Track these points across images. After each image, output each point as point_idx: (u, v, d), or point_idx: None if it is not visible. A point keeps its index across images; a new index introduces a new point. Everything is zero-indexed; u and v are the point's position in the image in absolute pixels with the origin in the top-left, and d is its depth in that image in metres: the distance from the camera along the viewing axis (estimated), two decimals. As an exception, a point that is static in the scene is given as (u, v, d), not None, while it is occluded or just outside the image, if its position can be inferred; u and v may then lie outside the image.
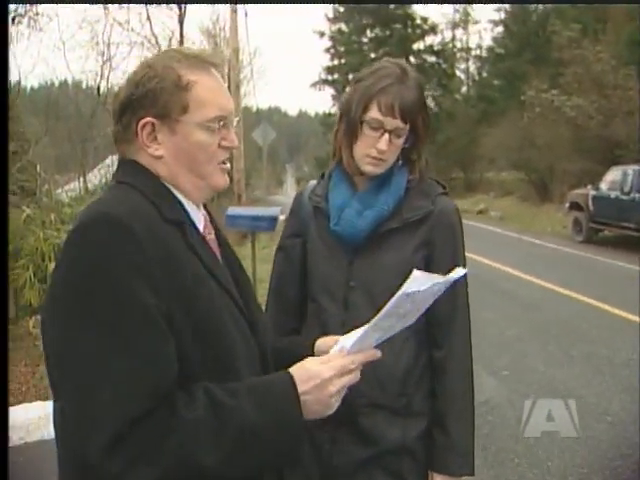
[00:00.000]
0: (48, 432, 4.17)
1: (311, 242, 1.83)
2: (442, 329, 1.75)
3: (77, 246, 1.12)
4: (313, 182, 1.94)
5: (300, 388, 1.17)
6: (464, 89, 41.22)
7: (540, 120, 21.56)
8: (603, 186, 14.49)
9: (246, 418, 1.12)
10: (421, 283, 1.19)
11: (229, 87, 14.51)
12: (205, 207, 1.36)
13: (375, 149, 1.69)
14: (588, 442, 4.27)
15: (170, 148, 1.24)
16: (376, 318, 1.22)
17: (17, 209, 7.59)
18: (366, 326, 1.24)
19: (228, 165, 1.31)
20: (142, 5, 17.01)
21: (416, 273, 1.20)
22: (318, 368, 1.20)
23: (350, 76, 38.20)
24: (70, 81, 14.37)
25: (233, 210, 7.32)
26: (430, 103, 39.43)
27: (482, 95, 36.04)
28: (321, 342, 1.52)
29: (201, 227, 1.30)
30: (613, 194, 13.90)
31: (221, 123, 1.26)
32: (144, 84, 1.22)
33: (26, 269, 6.53)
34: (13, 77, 11.38)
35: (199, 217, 1.31)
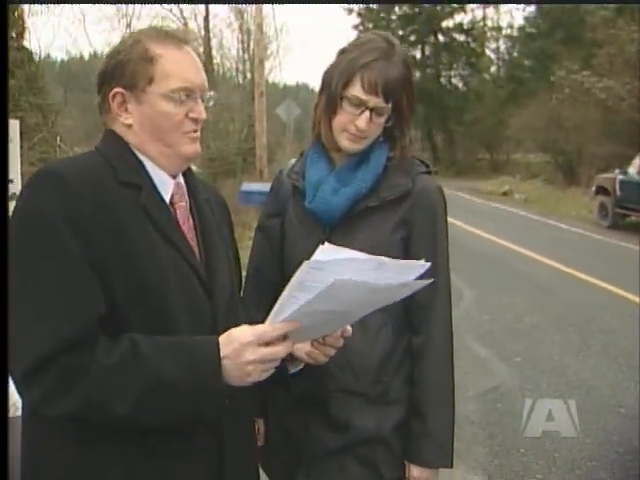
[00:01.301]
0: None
1: (288, 221, 1.78)
2: (420, 313, 1.70)
3: (20, 196, 1.25)
4: (294, 160, 1.90)
5: (222, 351, 1.20)
6: (493, 69, 40.55)
7: (569, 102, 21.14)
8: (631, 170, 14.11)
9: (163, 370, 1.17)
10: (329, 255, 1.16)
11: (253, 62, 14.35)
12: (185, 176, 1.43)
13: (354, 126, 1.63)
14: (599, 435, 4.18)
15: (138, 117, 1.32)
16: (287, 288, 1.20)
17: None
18: (281, 296, 1.22)
19: (198, 134, 1.37)
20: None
21: (326, 245, 1.19)
22: (240, 333, 1.22)
23: (378, 53, 37.72)
24: (93, 53, 14.35)
25: (247, 186, 7.27)
26: (458, 83, 39.06)
27: (512, 75, 35.47)
28: None
29: (167, 194, 1.35)
30: (642, 179, 13.56)
31: (186, 94, 1.32)
32: (115, 57, 1.33)
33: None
34: (35, 49, 11.40)
35: (167, 184, 1.36)
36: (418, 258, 1.30)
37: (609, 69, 19.67)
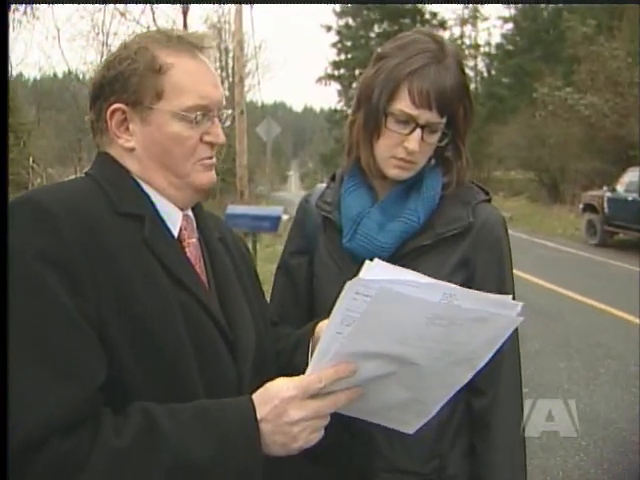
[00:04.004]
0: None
1: (319, 261, 1.52)
2: (485, 370, 1.34)
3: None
4: (322, 185, 1.62)
5: (259, 413, 1.00)
6: (472, 86, 40.81)
7: (552, 119, 21.22)
8: (619, 188, 14.05)
9: (188, 450, 0.95)
10: (380, 274, 0.91)
11: (233, 80, 14.06)
12: (194, 210, 1.24)
13: (403, 149, 1.37)
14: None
15: (142, 140, 1.14)
16: (328, 323, 0.98)
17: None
18: (324, 334, 0.98)
19: (214, 160, 1.19)
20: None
21: (376, 261, 0.95)
22: (279, 387, 1.01)
23: (357, 71, 37.90)
24: (67, 71, 14.07)
25: (233, 209, 6.93)
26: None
27: (491, 93, 35.72)
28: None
29: (175, 228, 1.16)
30: (630, 196, 13.43)
31: (201, 114, 1.13)
32: (115, 66, 1.13)
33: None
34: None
35: (174, 217, 1.17)
36: None
37: (591, 86, 19.77)
